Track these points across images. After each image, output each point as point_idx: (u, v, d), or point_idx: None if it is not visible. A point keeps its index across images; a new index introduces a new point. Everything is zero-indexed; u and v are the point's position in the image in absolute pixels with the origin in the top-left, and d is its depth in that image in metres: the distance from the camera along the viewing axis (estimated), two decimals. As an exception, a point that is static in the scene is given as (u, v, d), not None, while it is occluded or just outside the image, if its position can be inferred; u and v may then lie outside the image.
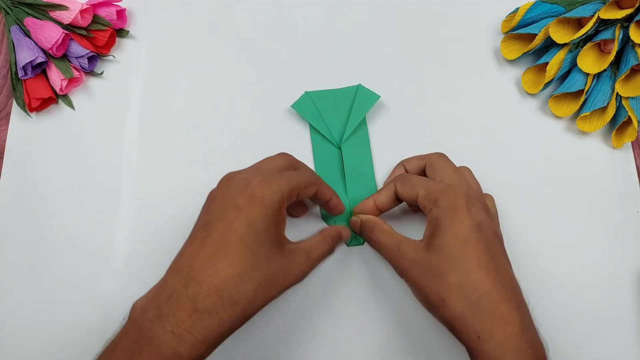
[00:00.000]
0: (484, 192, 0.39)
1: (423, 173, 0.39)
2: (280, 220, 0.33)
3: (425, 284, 0.33)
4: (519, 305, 0.32)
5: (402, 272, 0.35)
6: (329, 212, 0.40)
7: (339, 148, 0.43)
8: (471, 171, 0.40)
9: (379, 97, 0.44)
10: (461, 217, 0.33)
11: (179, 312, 0.29)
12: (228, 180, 0.34)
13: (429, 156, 0.39)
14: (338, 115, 0.44)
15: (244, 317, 0.31)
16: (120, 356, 0.29)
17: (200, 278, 0.30)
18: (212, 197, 0.34)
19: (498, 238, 0.35)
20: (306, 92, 0.45)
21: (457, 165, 0.39)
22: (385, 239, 0.36)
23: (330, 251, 0.37)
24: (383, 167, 0.44)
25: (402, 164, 0.41)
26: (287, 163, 0.37)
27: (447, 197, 0.34)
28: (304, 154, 0.44)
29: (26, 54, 0.43)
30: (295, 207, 0.41)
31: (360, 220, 0.39)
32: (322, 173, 0.43)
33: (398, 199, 0.38)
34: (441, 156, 0.39)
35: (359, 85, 0.45)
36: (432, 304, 0.33)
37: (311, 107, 0.44)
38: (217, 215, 0.32)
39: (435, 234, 0.33)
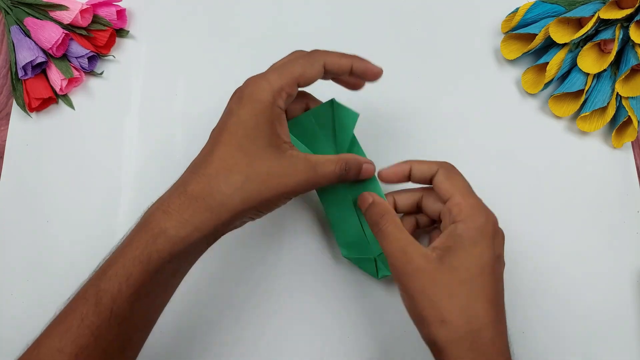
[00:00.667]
0: (483, 193, 0.39)
1: (428, 181, 0.36)
2: (273, 118, 0.33)
3: (427, 299, 0.31)
4: (508, 346, 0.31)
5: (401, 276, 0.32)
6: (359, 77, 0.35)
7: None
8: None
9: (357, 115, 0.38)
10: (485, 244, 0.32)
11: (173, 197, 0.31)
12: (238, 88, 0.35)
13: (443, 164, 0.35)
14: (323, 139, 0.39)
15: (233, 210, 0.31)
16: (125, 243, 0.31)
17: (196, 170, 0.32)
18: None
19: (502, 272, 0.34)
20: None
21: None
22: (394, 232, 0.33)
23: (340, 175, 0.34)
24: (383, 166, 0.44)
25: (409, 163, 0.36)
26: (303, 67, 0.34)
27: (479, 218, 0.32)
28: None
29: (26, 54, 0.43)
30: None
31: (372, 200, 0.36)
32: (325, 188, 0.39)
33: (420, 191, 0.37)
34: (454, 169, 0.36)
35: (333, 101, 0.38)
36: (426, 321, 0.31)
37: (294, 140, 0.38)
38: (219, 122, 0.34)
39: (453, 250, 0.31)
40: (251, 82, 0.33)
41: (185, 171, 0.33)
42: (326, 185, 0.35)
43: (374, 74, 0.36)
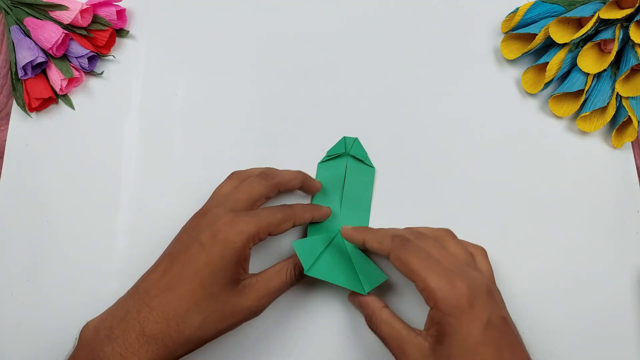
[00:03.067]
0: (483, 193, 0.39)
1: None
2: (241, 260, 0.34)
3: None
4: None
5: None
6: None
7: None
8: (484, 253, 0.38)
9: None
10: (466, 323, 0.30)
11: (128, 334, 0.31)
12: (203, 214, 0.35)
13: (395, 243, 0.34)
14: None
15: (189, 346, 0.32)
16: None
17: (153, 304, 0.32)
18: (185, 227, 0.36)
19: (505, 323, 0.32)
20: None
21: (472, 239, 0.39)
22: (386, 331, 0.34)
23: (289, 282, 0.36)
24: (384, 166, 0.44)
25: (364, 234, 0.37)
26: (267, 189, 0.37)
27: (447, 299, 0.31)
28: (304, 154, 0.44)
29: (26, 54, 0.43)
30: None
31: (357, 301, 0.37)
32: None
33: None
34: (448, 234, 0.37)
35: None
36: None
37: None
38: (182, 247, 0.33)
39: (441, 340, 0.31)
40: (228, 222, 0.33)
41: (135, 291, 0.33)
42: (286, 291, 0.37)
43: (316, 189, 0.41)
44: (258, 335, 0.40)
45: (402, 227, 0.42)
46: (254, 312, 0.34)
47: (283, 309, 0.41)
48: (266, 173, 0.38)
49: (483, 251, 0.38)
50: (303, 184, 0.39)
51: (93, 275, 0.42)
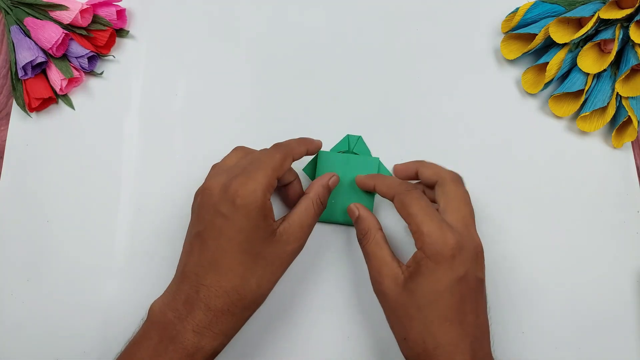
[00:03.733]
0: (483, 192, 0.39)
1: (433, 184, 0.38)
2: (267, 214, 0.34)
3: (394, 317, 0.35)
4: (475, 356, 0.32)
5: (376, 293, 0.36)
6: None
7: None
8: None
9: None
10: (442, 270, 0.32)
11: (196, 313, 0.32)
12: (204, 189, 0.35)
13: (444, 177, 0.37)
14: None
15: (254, 305, 0.34)
16: (145, 353, 0.32)
17: (207, 282, 0.33)
18: (196, 206, 0.36)
19: (479, 283, 0.34)
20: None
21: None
22: (374, 251, 0.36)
23: (318, 213, 0.37)
24: (384, 165, 0.44)
25: (418, 165, 0.40)
26: (284, 159, 0.36)
27: (434, 245, 0.33)
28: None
29: (26, 54, 0.43)
30: (283, 178, 0.41)
31: (358, 214, 0.38)
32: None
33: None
34: (457, 186, 0.37)
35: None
36: (395, 336, 0.35)
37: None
38: (207, 225, 0.34)
39: (414, 276, 0.33)
40: (239, 184, 0.33)
41: (184, 276, 0.34)
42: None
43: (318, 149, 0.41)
44: (258, 335, 0.40)
45: (403, 227, 0.42)
46: (298, 250, 0.36)
47: (283, 309, 0.41)
48: (277, 145, 0.37)
49: None
50: (308, 148, 0.39)
51: (93, 275, 0.42)
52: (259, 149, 0.38)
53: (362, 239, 0.37)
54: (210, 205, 0.34)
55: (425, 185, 0.40)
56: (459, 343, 0.32)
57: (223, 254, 0.33)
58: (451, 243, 0.33)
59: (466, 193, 0.37)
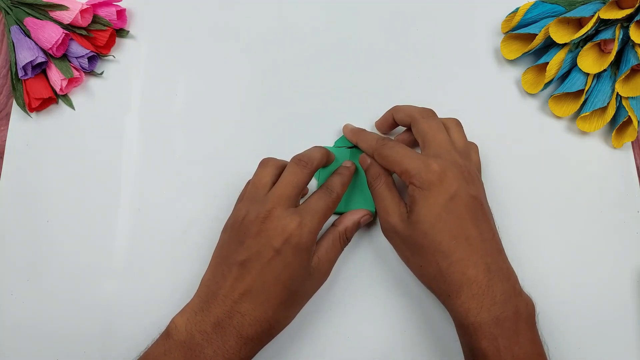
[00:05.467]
0: (482, 189, 0.39)
1: (409, 126, 0.40)
2: (312, 255, 0.36)
3: (403, 253, 0.38)
4: (489, 269, 0.34)
5: (384, 231, 0.39)
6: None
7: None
8: (459, 124, 0.41)
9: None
10: (434, 194, 0.35)
11: (227, 339, 0.33)
12: (265, 218, 0.35)
13: (417, 118, 0.39)
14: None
15: (279, 332, 0.37)
16: None
17: (242, 310, 0.34)
18: (246, 233, 0.35)
19: (475, 201, 0.36)
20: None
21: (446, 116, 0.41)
22: (383, 192, 0.38)
23: (343, 247, 0.40)
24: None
25: (393, 111, 0.42)
26: (309, 177, 0.38)
27: (420, 175, 0.35)
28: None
29: (26, 54, 0.43)
30: None
31: (369, 162, 0.40)
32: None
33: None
34: (428, 120, 0.39)
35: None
36: (411, 268, 0.38)
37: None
38: (254, 254, 0.34)
39: (412, 209, 0.36)
40: (297, 227, 0.35)
41: (214, 297, 0.34)
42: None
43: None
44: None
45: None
46: (323, 281, 0.39)
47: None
48: (301, 160, 0.38)
49: (475, 147, 0.41)
50: (327, 159, 0.41)
51: (93, 275, 0.42)
52: (282, 160, 0.39)
53: (372, 182, 0.39)
54: (262, 237, 0.34)
55: (406, 130, 0.42)
56: (470, 257, 0.34)
57: (264, 285, 0.34)
58: (435, 168, 0.35)
59: (438, 123, 0.38)
